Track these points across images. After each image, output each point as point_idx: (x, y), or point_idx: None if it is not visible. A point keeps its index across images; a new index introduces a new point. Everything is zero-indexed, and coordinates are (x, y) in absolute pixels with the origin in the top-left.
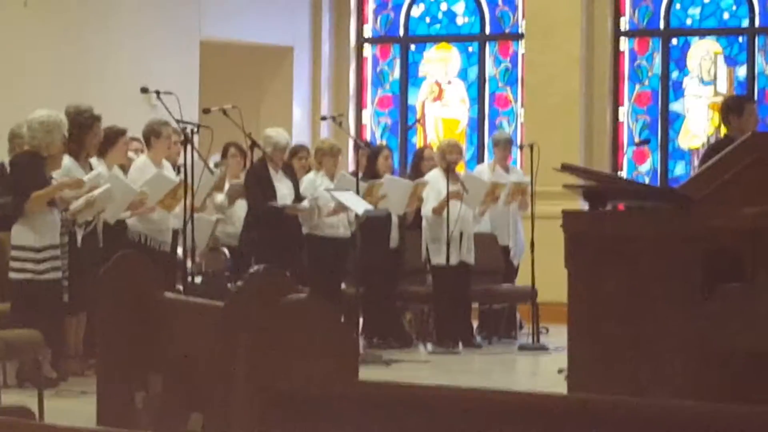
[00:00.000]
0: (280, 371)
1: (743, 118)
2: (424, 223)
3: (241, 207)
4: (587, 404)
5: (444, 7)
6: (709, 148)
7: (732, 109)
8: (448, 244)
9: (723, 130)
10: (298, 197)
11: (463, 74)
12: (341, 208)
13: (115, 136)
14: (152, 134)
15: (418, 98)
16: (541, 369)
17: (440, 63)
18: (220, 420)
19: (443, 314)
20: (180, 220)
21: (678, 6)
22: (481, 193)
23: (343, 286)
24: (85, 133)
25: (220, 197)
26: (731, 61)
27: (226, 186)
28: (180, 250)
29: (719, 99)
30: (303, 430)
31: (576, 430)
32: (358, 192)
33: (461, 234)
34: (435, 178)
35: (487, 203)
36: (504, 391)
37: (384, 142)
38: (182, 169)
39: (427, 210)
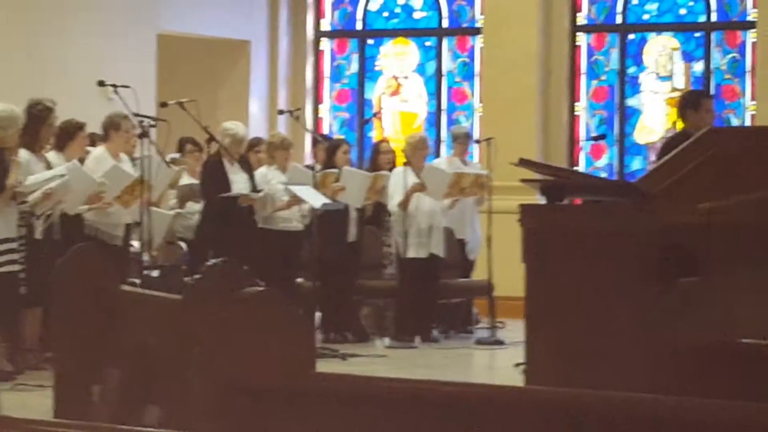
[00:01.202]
0: (238, 364)
1: (699, 114)
2: (392, 217)
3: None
4: (543, 396)
5: (401, 1)
6: (665, 143)
7: (689, 103)
8: (405, 237)
9: (680, 125)
10: (255, 190)
11: (420, 69)
12: (294, 201)
13: (74, 129)
14: (112, 127)
15: (375, 92)
16: (498, 363)
17: (398, 57)
18: (178, 413)
19: (406, 308)
20: (133, 215)
21: (635, 1)
22: (443, 184)
23: (300, 280)
24: (40, 125)
25: (172, 201)
26: (688, 57)
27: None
28: (137, 244)
29: (676, 94)
30: (260, 423)
31: (533, 422)
32: (315, 186)
33: (430, 227)
34: (401, 172)
35: (453, 194)
36: (460, 383)
37: (342, 137)
38: (136, 163)
39: (393, 205)
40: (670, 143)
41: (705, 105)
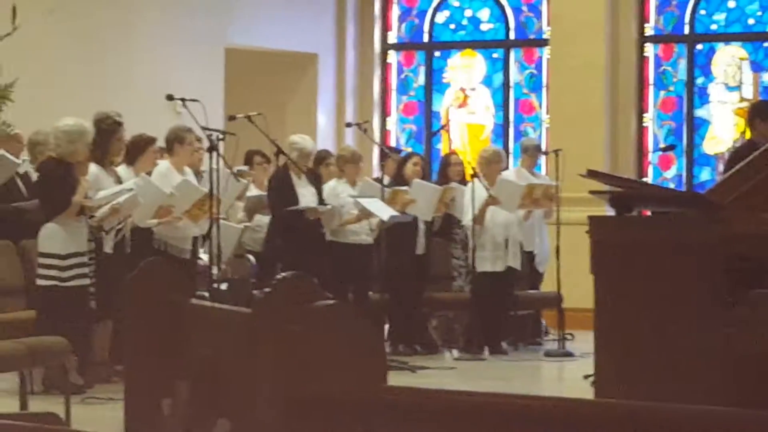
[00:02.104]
0: (307, 377)
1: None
2: (467, 232)
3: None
4: (614, 409)
5: (468, 13)
6: (732, 153)
7: (759, 113)
8: (474, 251)
9: (747, 136)
10: (322, 203)
11: (487, 80)
12: (364, 215)
13: (144, 144)
14: (176, 140)
15: (442, 105)
16: (567, 375)
17: (465, 69)
18: (247, 426)
19: (477, 321)
20: (201, 228)
21: (703, 12)
22: (516, 196)
23: (369, 292)
24: (108, 140)
25: (240, 214)
26: (756, 67)
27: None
28: (206, 257)
29: (744, 105)
30: None
31: None
32: (383, 198)
33: (506, 240)
34: (476, 186)
35: (526, 205)
36: (530, 396)
37: (410, 149)
38: (204, 176)
39: (467, 220)
40: (737, 153)
41: None
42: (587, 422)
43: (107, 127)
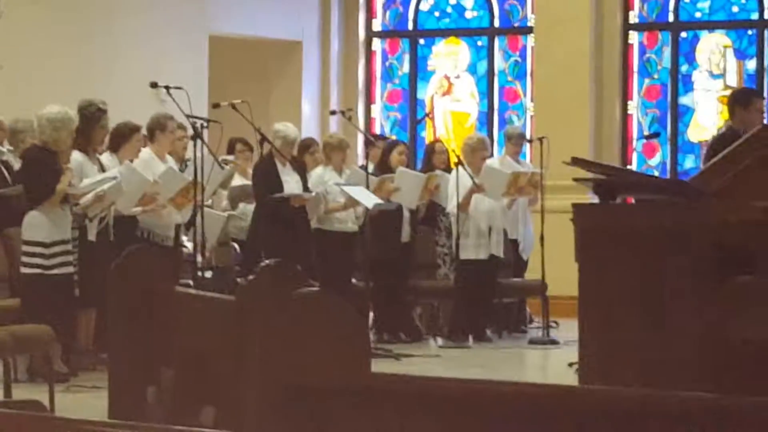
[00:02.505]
0: (292, 364)
1: (749, 112)
2: (451, 219)
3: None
4: (597, 396)
5: (453, 1)
6: (712, 142)
7: (739, 101)
8: (457, 239)
9: (725, 119)
10: (307, 191)
11: (472, 68)
12: (350, 203)
13: (129, 132)
14: (157, 128)
15: (427, 92)
16: (551, 363)
17: (449, 57)
18: (233, 413)
19: (461, 309)
20: (184, 215)
21: None
22: (501, 184)
23: (353, 280)
24: (92, 127)
25: (224, 202)
26: (741, 55)
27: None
28: (190, 245)
29: (729, 92)
30: (315, 422)
31: (586, 422)
32: (368, 186)
33: (490, 228)
34: (461, 174)
35: (511, 194)
36: (514, 383)
37: (395, 137)
38: (188, 164)
39: (451, 207)
40: (717, 142)
41: (756, 104)
42: (571, 409)
43: (91, 115)
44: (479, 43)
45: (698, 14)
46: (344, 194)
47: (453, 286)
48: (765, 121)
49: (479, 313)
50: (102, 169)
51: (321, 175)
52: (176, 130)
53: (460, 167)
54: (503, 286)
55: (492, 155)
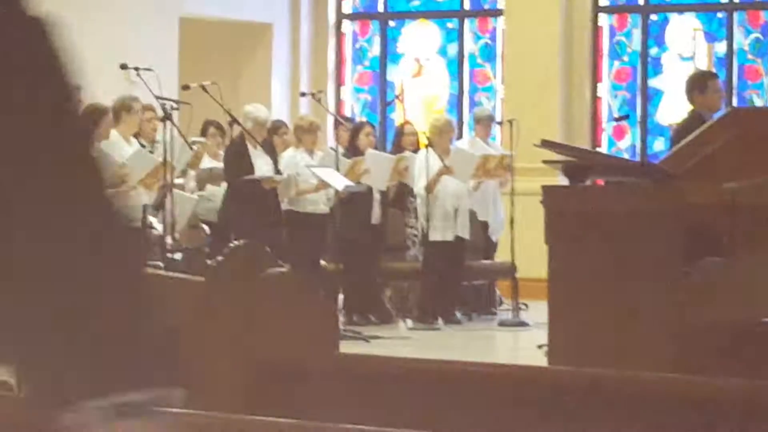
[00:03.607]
0: (261, 345)
1: (707, 95)
2: (418, 200)
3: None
4: (565, 376)
5: None
6: (678, 127)
7: (695, 85)
8: (427, 220)
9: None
10: (278, 173)
11: (442, 50)
12: (322, 185)
13: (98, 114)
14: (122, 109)
15: (397, 75)
16: (520, 345)
17: (420, 39)
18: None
19: (430, 291)
20: (151, 196)
21: None
22: (471, 167)
23: (323, 262)
24: None
25: (191, 183)
26: (710, 38)
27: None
28: (160, 227)
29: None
30: (284, 403)
31: (555, 402)
32: (338, 168)
33: (456, 209)
34: (424, 155)
35: (479, 176)
36: (483, 363)
37: (365, 119)
38: (157, 146)
39: (419, 188)
40: (683, 126)
41: (712, 86)
42: (540, 389)
43: None
44: (449, 25)
45: None
46: (314, 176)
47: (421, 268)
48: (723, 100)
49: (447, 295)
50: None
51: (292, 156)
52: (142, 111)
53: (429, 148)
54: (473, 268)
55: (462, 137)
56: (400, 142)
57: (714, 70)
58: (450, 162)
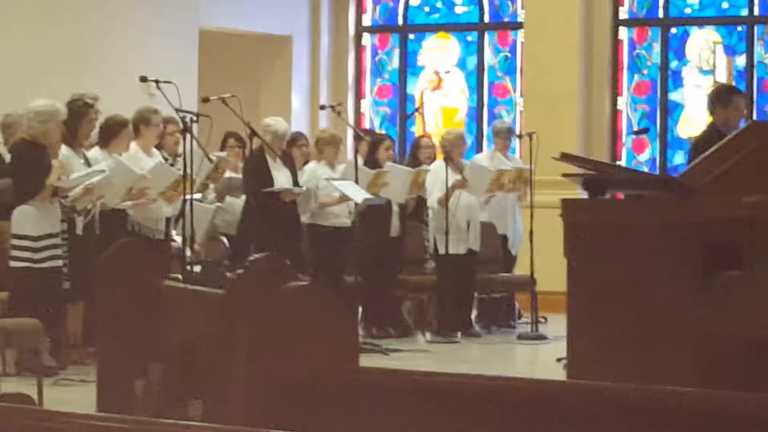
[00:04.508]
0: (281, 359)
1: (729, 110)
2: (429, 213)
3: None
4: (585, 390)
5: None
6: (696, 140)
7: (719, 98)
8: (446, 233)
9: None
10: (297, 186)
11: (462, 63)
12: (345, 198)
13: (118, 126)
14: (141, 122)
15: (417, 88)
16: (539, 358)
17: (439, 52)
18: (220, 407)
19: (447, 303)
20: (173, 208)
21: None
22: (486, 181)
23: (343, 275)
24: (79, 121)
25: (211, 195)
26: (730, 51)
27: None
28: (179, 239)
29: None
30: (303, 417)
31: (575, 416)
32: (356, 181)
33: (468, 222)
34: (439, 168)
35: (492, 191)
36: (502, 377)
37: (384, 132)
38: (178, 160)
39: (432, 201)
40: (701, 140)
41: (735, 102)
42: (560, 403)
43: (78, 109)
44: (469, 38)
45: (688, 10)
46: (333, 188)
47: (436, 282)
48: (743, 120)
49: (462, 307)
50: (87, 163)
51: (314, 169)
52: (161, 124)
53: (444, 162)
54: (492, 281)
55: (481, 150)
56: (417, 155)
57: (734, 84)
58: (464, 176)
